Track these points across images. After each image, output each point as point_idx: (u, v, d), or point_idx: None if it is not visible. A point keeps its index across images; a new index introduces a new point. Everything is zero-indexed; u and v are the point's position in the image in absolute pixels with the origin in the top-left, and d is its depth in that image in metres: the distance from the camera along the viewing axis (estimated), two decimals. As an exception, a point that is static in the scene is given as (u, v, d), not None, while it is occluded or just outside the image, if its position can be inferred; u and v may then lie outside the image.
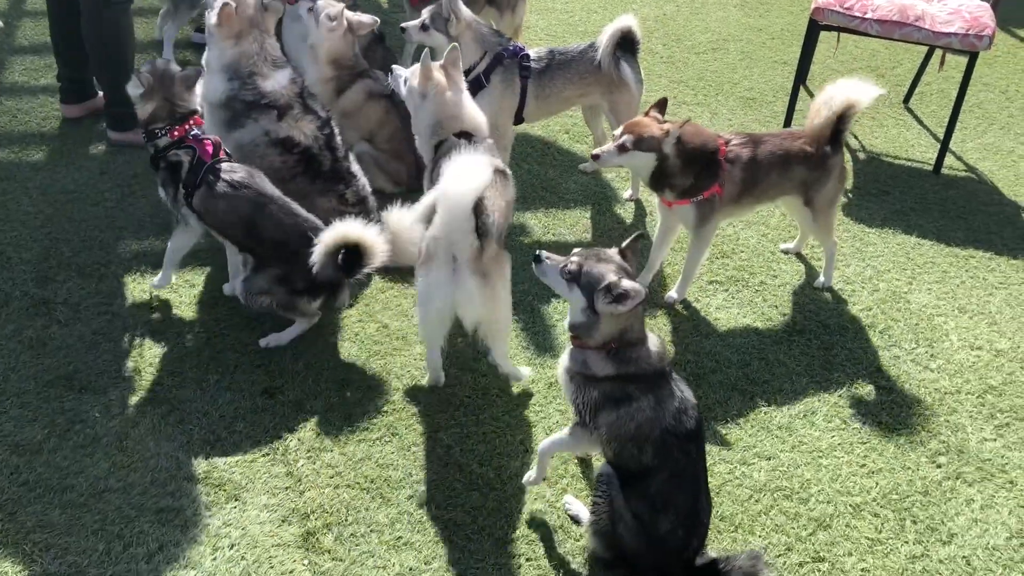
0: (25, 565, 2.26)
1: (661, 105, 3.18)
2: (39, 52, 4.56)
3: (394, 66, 3.33)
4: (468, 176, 2.54)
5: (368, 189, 3.45)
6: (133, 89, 3.00)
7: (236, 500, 2.50)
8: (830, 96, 3.25)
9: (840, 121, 3.25)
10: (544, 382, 2.98)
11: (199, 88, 3.09)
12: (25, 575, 2.24)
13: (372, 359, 3.02)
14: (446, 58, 3.11)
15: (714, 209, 3.25)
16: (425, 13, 3.65)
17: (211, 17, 3.22)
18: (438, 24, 3.61)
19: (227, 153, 3.05)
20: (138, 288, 3.20)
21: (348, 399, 2.85)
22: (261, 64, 3.26)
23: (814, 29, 4.42)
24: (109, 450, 2.59)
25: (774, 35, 5.78)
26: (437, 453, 2.70)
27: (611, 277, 2.27)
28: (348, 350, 3.05)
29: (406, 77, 3.13)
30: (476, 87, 3.57)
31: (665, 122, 3.12)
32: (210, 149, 2.97)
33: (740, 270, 3.61)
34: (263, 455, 2.65)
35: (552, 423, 2.82)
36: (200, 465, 2.58)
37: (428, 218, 2.73)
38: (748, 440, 2.83)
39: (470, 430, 2.78)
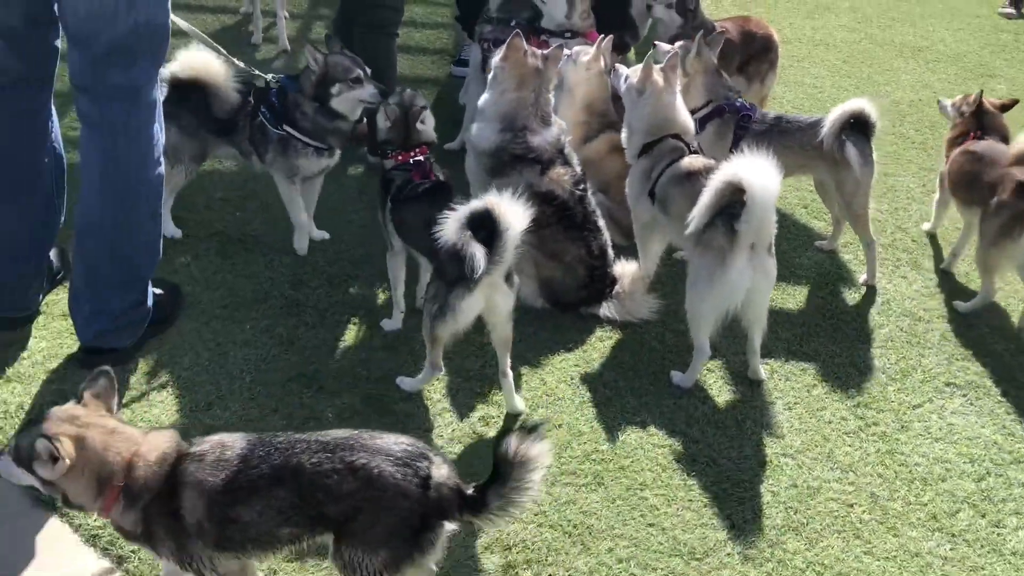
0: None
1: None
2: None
3: (617, 64, 3.60)
4: (769, 172, 2.86)
5: (609, 244, 3.52)
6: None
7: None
8: None
9: None
10: (755, 460, 2.91)
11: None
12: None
13: (584, 405, 3.05)
14: (666, 62, 3.39)
15: (943, 181, 4.00)
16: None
17: (495, 57, 3.42)
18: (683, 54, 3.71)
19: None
20: (376, 302, 3.41)
21: (558, 441, 2.90)
22: (533, 118, 3.41)
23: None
24: (336, 450, 2.76)
25: (1042, 132, 5.40)
26: (641, 511, 2.68)
27: (40, 444, 1.89)
28: (564, 392, 3.10)
29: (627, 75, 3.46)
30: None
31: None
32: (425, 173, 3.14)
33: (981, 375, 3.37)
34: (474, 480, 2.72)
35: (780, 503, 2.74)
36: (415, 480, 2.69)
37: (716, 206, 2.95)
38: (976, 560, 2.62)
39: (677, 494, 2.75)
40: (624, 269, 3.55)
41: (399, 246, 3.21)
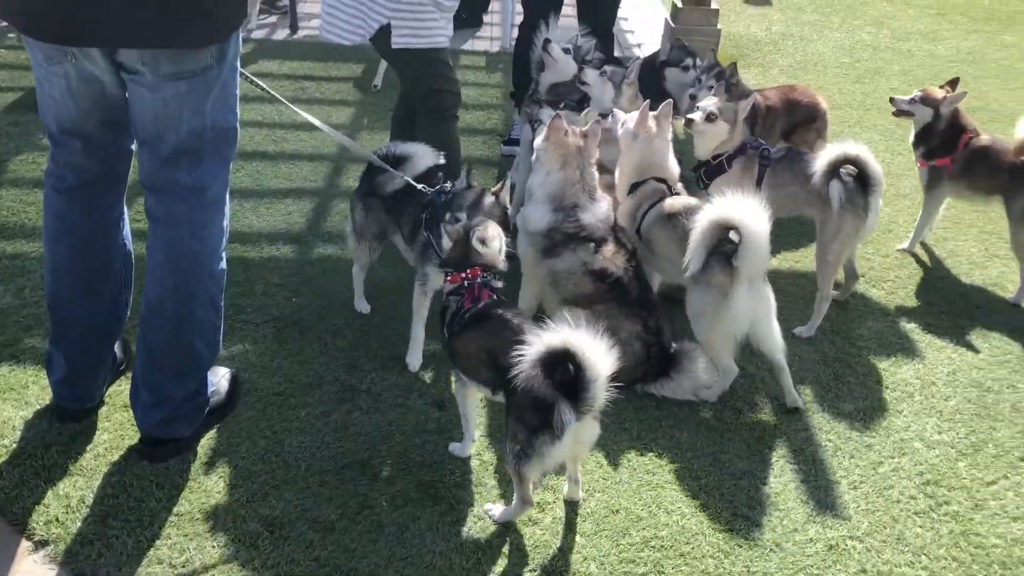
0: (309, 638, 2.42)
1: (953, 83, 4.34)
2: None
3: (614, 109, 3.89)
4: (758, 210, 3.08)
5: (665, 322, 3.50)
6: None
7: (501, 611, 2.54)
8: None
9: None
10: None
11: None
12: (307, 647, 2.39)
13: (643, 489, 2.99)
14: (661, 110, 3.67)
15: (940, 180, 4.31)
16: (712, 104, 3.96)
17: (538, 138, 3.47)
18: (727, 115, 3.94)
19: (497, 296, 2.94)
20: (430, 385, 3.41)
21: (615, 527, 2.83)
22: (581, 195, 3.44)
23: None
24: (390, 540, 2.73)
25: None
26: (704, 600, 2.60)
27: None
28: (622, 475, 3.04)
29: (624, 120, 3.73)
30: (719, 171, 3.94)
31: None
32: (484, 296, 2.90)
33: (1059, 450, 3.23)
34: (529, 571, 2.68)
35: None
36: (471, 570, 2.65)
37: (708, 246, 3.18)
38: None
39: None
40: (683, 346, 3.50)
41: (466, 378, 2.93)
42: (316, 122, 3.29)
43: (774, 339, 3.33)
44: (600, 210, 3.47)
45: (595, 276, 3.41)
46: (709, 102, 3.98)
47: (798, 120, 4.84)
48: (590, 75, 4.35)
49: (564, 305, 3.47)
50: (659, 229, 3.58)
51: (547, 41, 4.48)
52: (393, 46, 3.87)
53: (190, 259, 2.84)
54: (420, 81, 4.06)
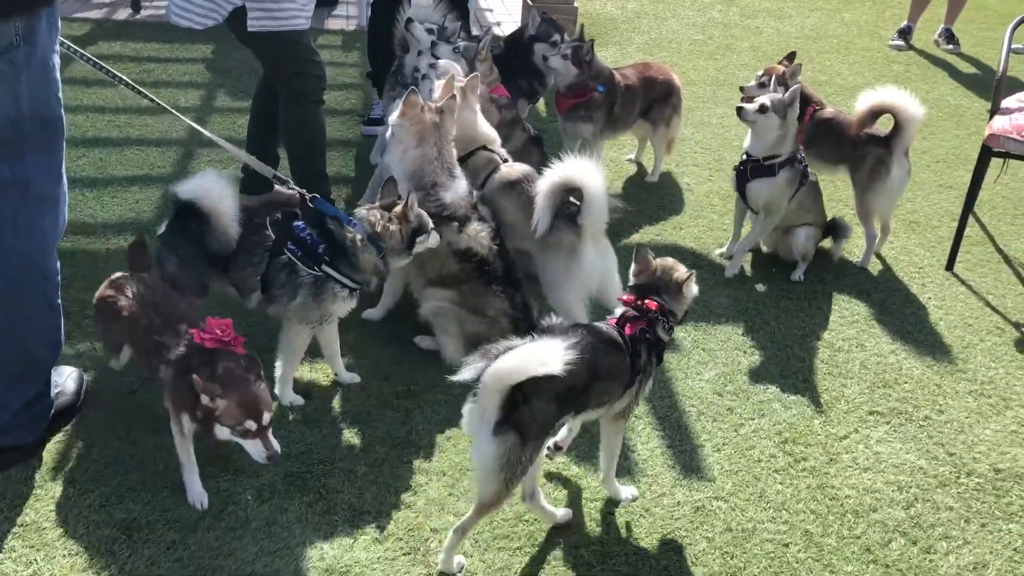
0: (172, 643, 2.31)
1: (790, 57, 4.58)
2: (223, 145, 4.90)
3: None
4: (598, 171, 3.20)
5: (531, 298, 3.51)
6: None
7: (375, 598, 2.49)
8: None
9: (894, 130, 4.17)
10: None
11: None
12: (171, 654, 2.28)
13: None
14: (467, 83, 3.69)
15: None
16: (766, 99, 3.90)
17: (393, 114, 3.40)
18: (779, 110, 3.89)
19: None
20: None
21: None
22: (440, 172, 3.38)
23: (986, 155, 4.27)
24: (257, 535, 2.64)
25: (939, 158, 5.62)
26: (577, 569, 2.62)
27: None
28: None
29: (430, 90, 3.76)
30: (768, 172, 3.99)
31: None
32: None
33: (903, 402, 3.43)
34: (404, 554, 2.64)
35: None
36: (342, 558, 2.59)
37: (553, 207, 3.30)
38: (912, 589, 2.63)
39: (613, 549, 2.70)
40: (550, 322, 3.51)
41: None
42: (213, 137, 3.01)
43: (618, 292, 3.40)
44: (461, 188, 3.43)
45: (460, 256, 3.37)
46: (764, 96, 3.89)
47: (655, 97, 4.95)
48: (442, 50, 4.26)
49: (430, 287, 3.43)
50: (503, 198, 3.58)
51: (409, 20, 4.40)
52: (249, 29, 3.66)
53: (17, 260, 2.63)
54: (280, 65, 3.89)
